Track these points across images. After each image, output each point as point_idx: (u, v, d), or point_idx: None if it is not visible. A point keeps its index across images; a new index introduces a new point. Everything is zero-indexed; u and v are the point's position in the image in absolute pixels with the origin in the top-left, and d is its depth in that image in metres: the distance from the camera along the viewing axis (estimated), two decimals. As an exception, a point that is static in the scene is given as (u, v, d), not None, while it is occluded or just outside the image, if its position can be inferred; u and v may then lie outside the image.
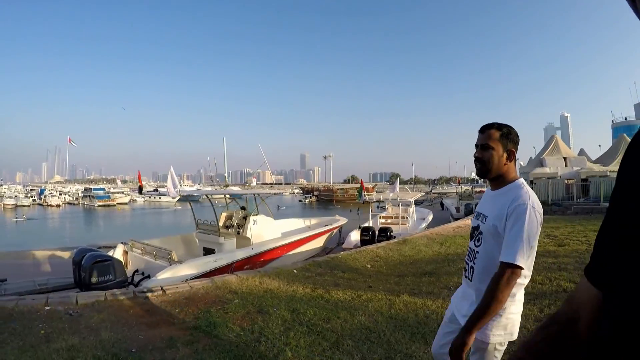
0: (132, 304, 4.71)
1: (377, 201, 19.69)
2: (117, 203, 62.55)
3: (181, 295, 4.98)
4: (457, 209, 21.89)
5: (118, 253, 8.22)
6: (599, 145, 61.14)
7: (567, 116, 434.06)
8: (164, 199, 72.30)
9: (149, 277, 6.94)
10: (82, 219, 42.50)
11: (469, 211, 19.23)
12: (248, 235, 8.86)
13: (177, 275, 6.51)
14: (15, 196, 61.57)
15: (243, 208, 10.00)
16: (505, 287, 1.44)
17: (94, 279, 6.16)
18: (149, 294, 4.99)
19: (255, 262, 8.04)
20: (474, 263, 1.70)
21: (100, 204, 59.39)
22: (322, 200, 65.62)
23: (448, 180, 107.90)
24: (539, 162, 24.26)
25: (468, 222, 14.19)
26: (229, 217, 9.61)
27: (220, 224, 9.36)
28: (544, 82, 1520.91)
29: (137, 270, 7.41)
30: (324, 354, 3.28)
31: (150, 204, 68.68)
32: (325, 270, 6.73)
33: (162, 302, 4.76)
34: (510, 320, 1.60)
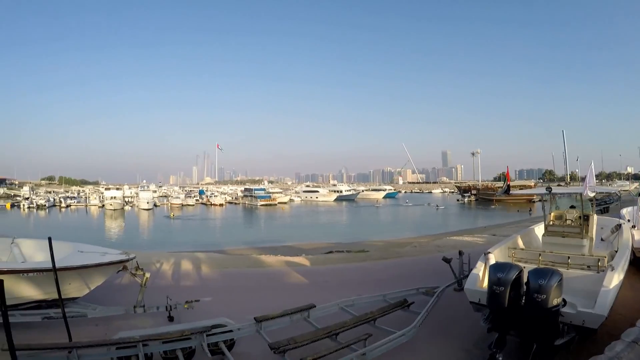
0: None
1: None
2: (279, 202, 68.72)
3: None
4: None
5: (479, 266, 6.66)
6: None
7: None
8: (320, 198, 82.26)
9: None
10: (261, 219, 45.15)
11: None
12: (592, 235, 8.19)
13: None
14: (180, 196, 70.88)
15: (572, 207, 9.28)
16: None
17: (556, 300, 4.61)
18: None
19: None
20: None
21: (262, 203, 64.34)
22: (481, 199, 63.34)
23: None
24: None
25: None
26: (558, 217, 8.86)
27: (550, 223, 8.73)
28: None
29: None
30: None
31: (306, 203, 76.90)
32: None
33: None
34: None
